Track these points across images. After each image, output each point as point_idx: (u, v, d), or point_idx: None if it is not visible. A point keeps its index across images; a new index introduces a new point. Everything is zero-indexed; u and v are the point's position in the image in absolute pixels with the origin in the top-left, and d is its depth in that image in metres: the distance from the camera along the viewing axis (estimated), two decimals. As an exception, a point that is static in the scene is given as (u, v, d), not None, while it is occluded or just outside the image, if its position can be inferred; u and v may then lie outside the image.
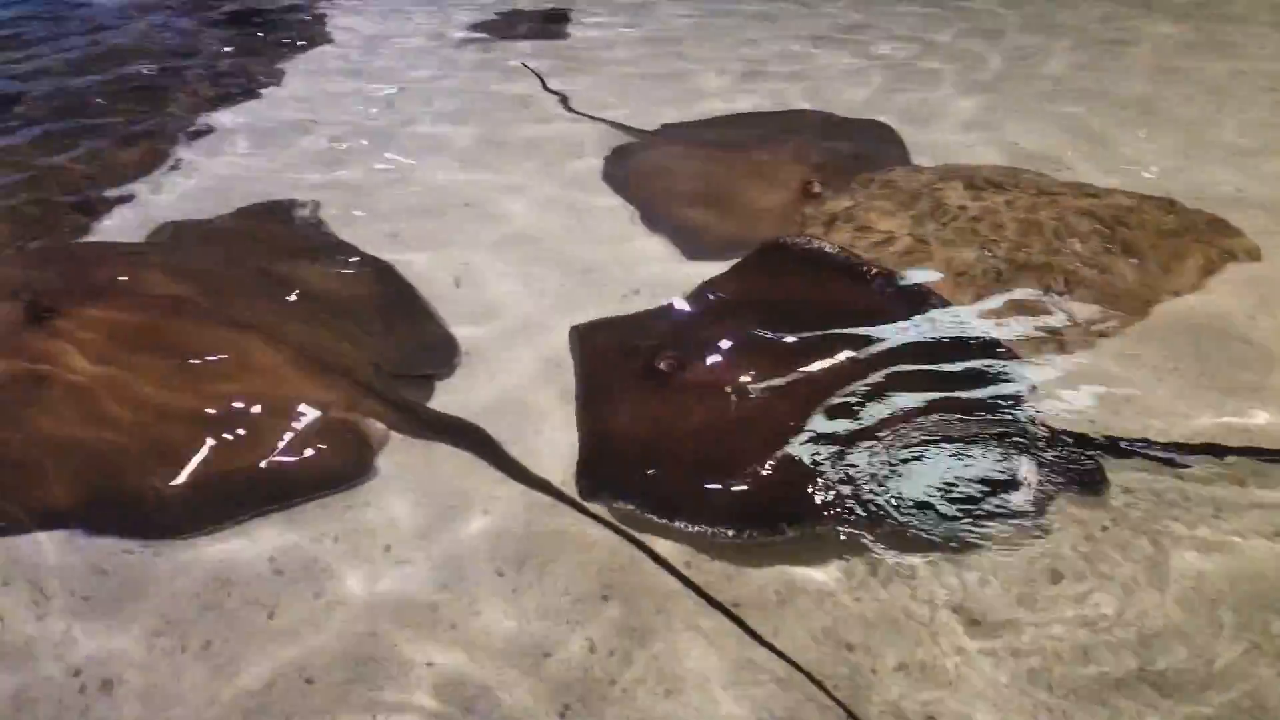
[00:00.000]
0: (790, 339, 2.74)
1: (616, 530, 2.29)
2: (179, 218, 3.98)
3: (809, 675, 1.92)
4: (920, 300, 2.99)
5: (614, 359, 2.88)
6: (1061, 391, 2.72)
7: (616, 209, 4.11)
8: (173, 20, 7.37)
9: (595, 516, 2.34)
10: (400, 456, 2.63)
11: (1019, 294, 3.11)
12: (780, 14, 7.52)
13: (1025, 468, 2.37)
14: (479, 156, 4.77)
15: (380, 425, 2.69)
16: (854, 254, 3.23)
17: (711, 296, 3.14)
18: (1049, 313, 3.05)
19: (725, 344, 2.75)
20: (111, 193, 4.35)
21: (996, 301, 3.08)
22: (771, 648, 1.99)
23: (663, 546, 2.25)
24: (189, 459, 2.48)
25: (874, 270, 3.08)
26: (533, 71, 5.92)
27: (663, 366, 2.65)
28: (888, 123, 4.86)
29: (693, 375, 2.65)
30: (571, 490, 2.43)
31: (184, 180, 4.55)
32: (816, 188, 3.85)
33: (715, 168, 4.25)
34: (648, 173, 4.36)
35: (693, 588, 2.13)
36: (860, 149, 4.43)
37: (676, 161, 4.43)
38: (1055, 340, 2.94)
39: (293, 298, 3.10)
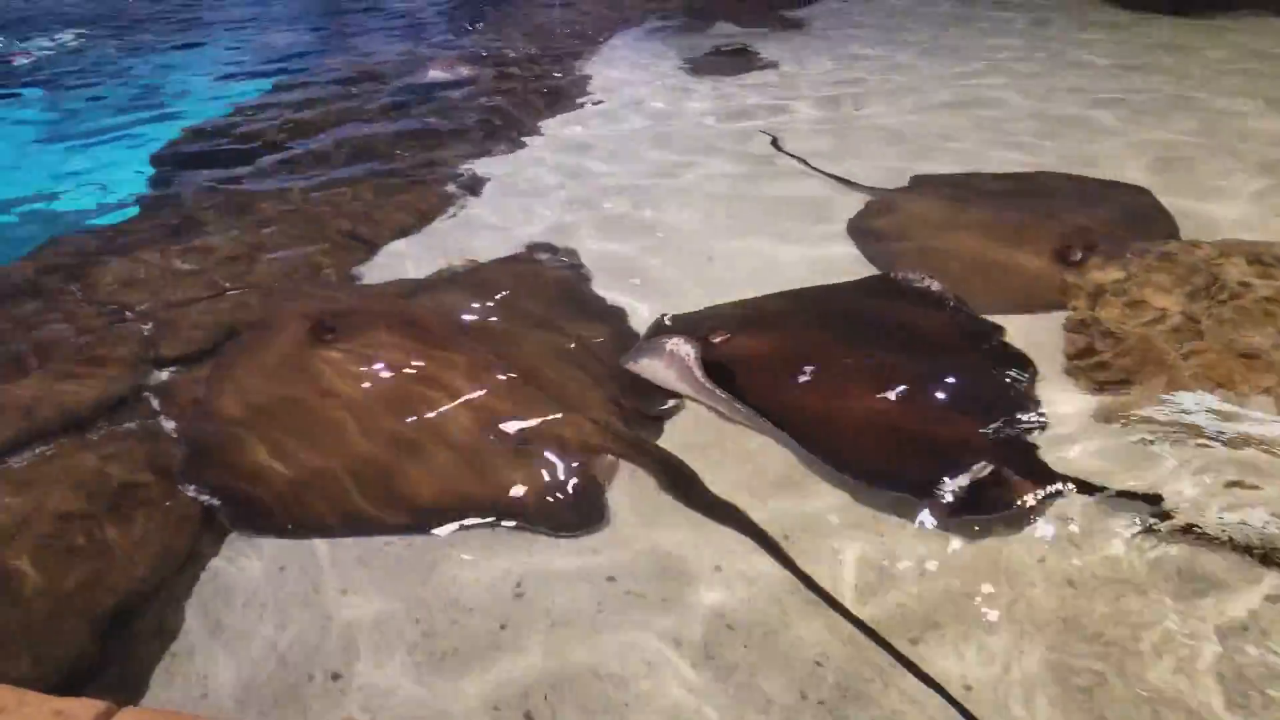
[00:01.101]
0: (847, 340, 3.16)
1: (837, 608, 2.24)
2: (448, 256, 4.34)
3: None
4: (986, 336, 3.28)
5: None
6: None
7: (863, 266, 4.04)
8: (450, 74, 8.07)
9: (825, 595, 2.29)
10: (632, 494, 2.71)
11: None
12: (1022, 62, 7.22)
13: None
14: (724, 212, 4.84)
15: (610, 458, 2.80)
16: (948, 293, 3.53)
17: (795, 300, 3.64)
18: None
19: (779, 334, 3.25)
20: (391, 231, 4.79)
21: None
22: None
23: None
24: (432, 471, 2.71)
25: (953, 301, 3.48)
26: (770, 138, 5.92)
27: (715, 340, 3.16)
28: (1155, 193, 4.50)
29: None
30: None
31: (453, 222, 4.95)
32: (1076, 254, 3.64)
33: (967, 227, 4.11)
34: (895, 230, 4.28)
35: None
36: (1125, 218, 4.14)
37: (925, 219, 4.31)
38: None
39: (544, 336, 3.28)
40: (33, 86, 9.06)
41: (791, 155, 5.51)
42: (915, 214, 4.39)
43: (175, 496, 2.72)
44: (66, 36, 11.56)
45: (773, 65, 8.10)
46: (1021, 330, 3.33)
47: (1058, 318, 3.40)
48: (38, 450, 2.97)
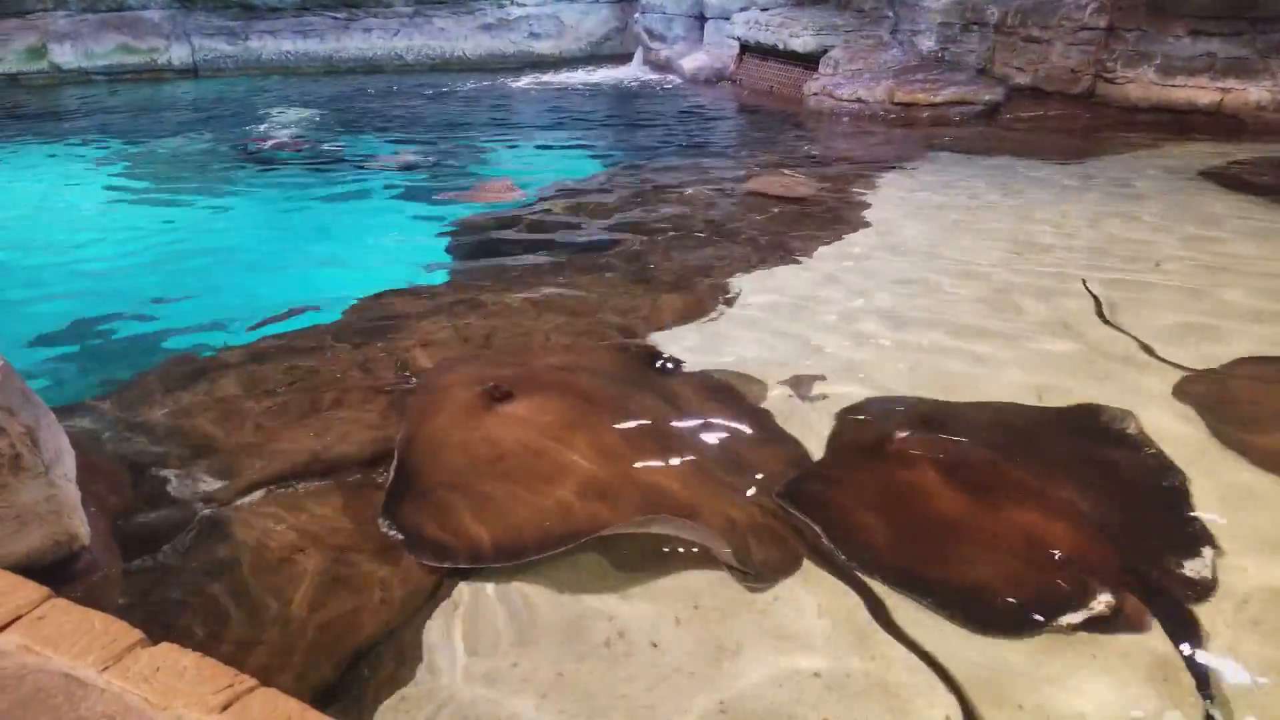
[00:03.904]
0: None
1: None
2: (696, 359, 4.58)
3: None
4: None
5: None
6: None
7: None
8: (725, 196, 8.44)
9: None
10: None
11: None
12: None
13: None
14: (1000, 366, 4.58)
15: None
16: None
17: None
18: None
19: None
20: (649, 326, 5.12)
21: None
22: None
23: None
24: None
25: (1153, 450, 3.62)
26: (1093, 295, 5.50)
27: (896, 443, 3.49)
28: None
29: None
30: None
31: (715, 326, 5.15)
32: None
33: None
34: (1228, 408, 4.00)
35: None
36: None
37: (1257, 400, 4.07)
38: None
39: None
40: (342, 167, 10.40)
41: (1107, 322, 5.10)
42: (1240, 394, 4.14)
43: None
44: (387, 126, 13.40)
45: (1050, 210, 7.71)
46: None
47: None
48: (325, 481, 3.41)
